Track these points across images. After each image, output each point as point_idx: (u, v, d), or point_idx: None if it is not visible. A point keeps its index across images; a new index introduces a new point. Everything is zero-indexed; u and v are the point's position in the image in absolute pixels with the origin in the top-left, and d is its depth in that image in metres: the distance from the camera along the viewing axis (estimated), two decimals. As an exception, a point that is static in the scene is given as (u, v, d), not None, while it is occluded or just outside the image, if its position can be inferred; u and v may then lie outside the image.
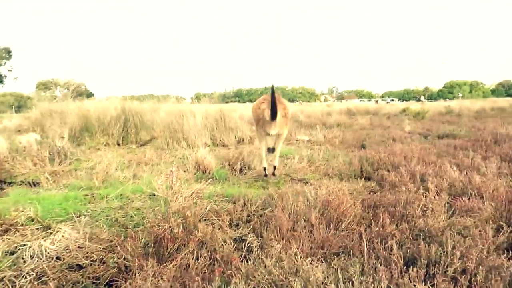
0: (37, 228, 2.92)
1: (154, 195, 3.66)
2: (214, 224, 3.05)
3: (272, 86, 4.10)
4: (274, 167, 4.90)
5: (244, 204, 3.51)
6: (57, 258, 2.48)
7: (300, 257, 2.22)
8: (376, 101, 57.83)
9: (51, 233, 2.81)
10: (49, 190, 4.30)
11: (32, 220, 3.04)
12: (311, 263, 2.19)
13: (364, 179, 4.74)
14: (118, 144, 8.53)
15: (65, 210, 3.37)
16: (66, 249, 2.55)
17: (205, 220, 3.13)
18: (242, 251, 2.57)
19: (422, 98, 76.55)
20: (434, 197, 3.15)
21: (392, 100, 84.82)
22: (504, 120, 12.65)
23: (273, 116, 4.22)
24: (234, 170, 5.21)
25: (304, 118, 15.93)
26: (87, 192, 4.06)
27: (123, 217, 3.26)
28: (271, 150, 4.97)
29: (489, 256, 2.19)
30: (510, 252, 2.37)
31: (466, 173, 4.24)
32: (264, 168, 4.87)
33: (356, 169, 5.12)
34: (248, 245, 2.61)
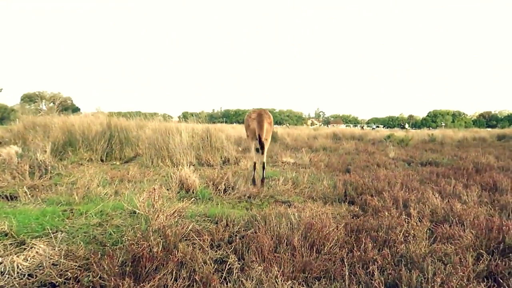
0: (11, 243, 2.82)
1: (135, 213, 3.58)
2: (195, 244, 2.99)
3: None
4: (263, 165, 5.63)
5: (227, 224, 3.46)
6: (29, 275, 2.38)
7: (281, 280, 2.19)
8: (362, 127, 58.70)
9: (25, 248, 2.71)
10: (27, 205, 4.17)
11: (6, 235, 2.93)
12: (291, 287, 2.16)
13: (348, 203, 4.75)
14: (102, 160, 8.40)
15: (42, 225, 3.27)
16: (40, 266, 2.45)
17: (185, 239, 3.07)
18: (222, 273, 2.51)
19: (407, 125, 78.06)
20: (416, 223, 3.18)
21: (378, 126, 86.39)
22: (485, 150, 12.95)
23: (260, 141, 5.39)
24: (218, 190, 5.16)
25: (290, 141, 16.03)
26: (66, 207, 3.96)
27: (102, 234, 3.18)
28: (259, 150, 5.67)
29: (469, 283, 2.20)
30: (490, 280, 2.38)
31: (448, 201, 4.30)
32: (254, 164, 5.68)
33: (340, 193, 5.14)
34: (229, 266, 2.57)
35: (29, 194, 4.53)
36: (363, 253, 2.72)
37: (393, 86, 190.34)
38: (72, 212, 3.76)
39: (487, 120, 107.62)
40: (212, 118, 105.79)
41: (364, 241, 2.89)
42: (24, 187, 4.76)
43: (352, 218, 3.94)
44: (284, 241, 2.91)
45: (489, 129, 45.85)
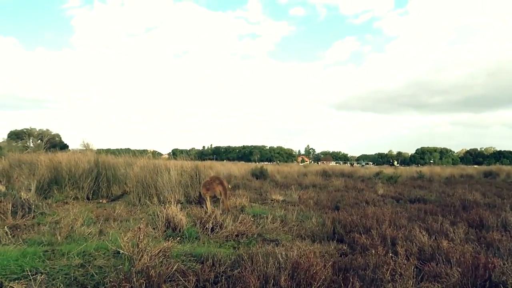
0: (-13, 287, 2.71)
1: (119, 253, 3.50)
2: (179, 285, 2.91)
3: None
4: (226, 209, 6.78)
5: (213, 264, 3.39)
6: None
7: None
8: (352, 164, 58.99)
9: (1, 292, 2.61)
10: (7, 245, 4.04)
11: (-18, 278, 2.83)
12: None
13: (336, 241, 4.71)
14: (88, 198, 8.26)
15: (21, 267, 3.16)
16: (16, 311, 2.36)
17: (170, 280, 2.99)
18: (207, 316, 2.44)
19: (395, 162, 78.79)
20: (403, 262, 3.16)
21: (367, 163, 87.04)
22: (472, 187, 13.10)
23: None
24: (206, 228, 5.08)
25: (280, 178, 16.03)
26: (48, 248, 3.85)
27: (83, 276, 3.08)
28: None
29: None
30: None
31: (435, 238, 4.30)
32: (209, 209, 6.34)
33: (329, 231, 5.12)
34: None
35: (10, 234, 4.41)
36: (350, 293, 2.68)
37: (382, 124, 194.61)
38: (53, 253, 3.65)
39: (474, 157, 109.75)
40: (202, 155, 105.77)
41: (351, 280, 2.86)
42: (5, 227, 4.64)
43: (340, 256, 3.91)
44: (271, 281, 2.86)
45: (476, 166, 46.58)
